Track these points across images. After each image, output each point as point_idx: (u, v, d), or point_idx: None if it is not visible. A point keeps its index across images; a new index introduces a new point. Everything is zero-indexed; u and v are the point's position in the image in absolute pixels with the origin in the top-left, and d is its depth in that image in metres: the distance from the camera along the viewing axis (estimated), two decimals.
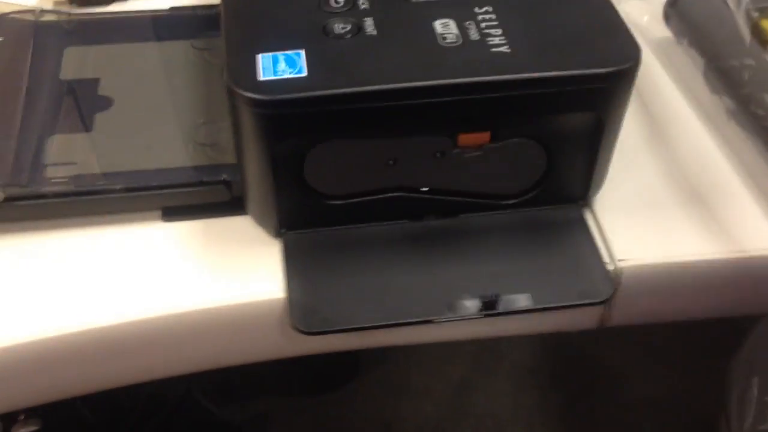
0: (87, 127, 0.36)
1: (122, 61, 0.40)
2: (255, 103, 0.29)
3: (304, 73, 0.29)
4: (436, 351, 1.03)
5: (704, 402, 0.80)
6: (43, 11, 0.42)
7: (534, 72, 0.30)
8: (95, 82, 0.38)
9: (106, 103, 0.38)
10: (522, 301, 0.32)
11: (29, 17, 0.41)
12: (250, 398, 0.93)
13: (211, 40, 0.40)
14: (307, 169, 0.32)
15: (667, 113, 0.40)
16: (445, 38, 0.31)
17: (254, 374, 0.90)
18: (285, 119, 0.29)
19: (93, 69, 0.39)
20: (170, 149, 0.35)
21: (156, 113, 0.37)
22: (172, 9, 0.43)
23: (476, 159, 0.32)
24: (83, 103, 0.37)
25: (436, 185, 0.33)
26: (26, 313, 0.32)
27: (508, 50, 0.30)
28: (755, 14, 0.39)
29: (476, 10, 0.32)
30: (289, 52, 0.30)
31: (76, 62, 0.39)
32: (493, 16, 0.32)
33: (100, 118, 0.37)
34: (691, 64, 0.40)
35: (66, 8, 0.44)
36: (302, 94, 0.29)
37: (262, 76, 0.29)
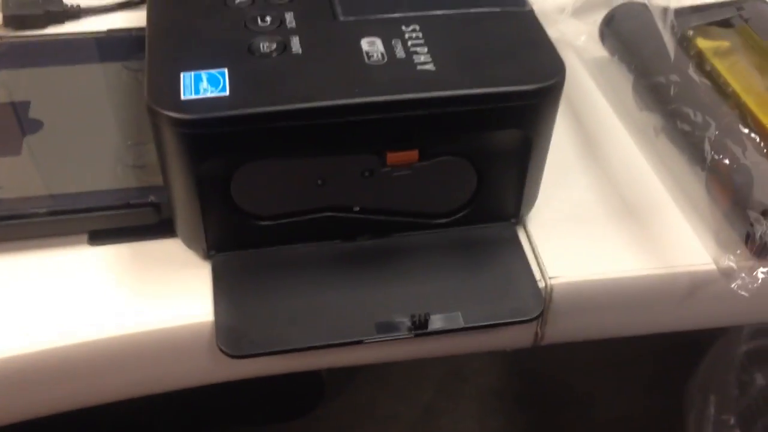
0: (15, 150, 0.36)
1: (54, 84, 0.39)
2: (175, 122, 0.28)
3: (227, 92, 0.29)
4: (402, 375, 1.03)
5: (672, 421, 0.80)
6: None
7: (459, 89, 0.30)
8: (25, 104, 0.38)
9: (35, 126, 0.37)
10: (453, 320, 0.32)
11: None
12: (213, 427, 0.92)
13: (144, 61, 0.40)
14: (234, 190, 0.31)
15: (599, 129, 0.40)
16: (371, 56, 0.31)
17: (218, 402, 0.88)
18: (207, 139, 0.29)
19: (24, 92, 0.39)
20: (98, 171, 0.35)
21: (86, 135, 0.37)
22: (109, 31, 0.43)
23: (406, 178, 0.32)
24: (12, 127, 0.37)
25: (366, 205, 0.33)
26: None
27: (434, 68, 0.30)
28: (690, 32, 0.39)
29: (403, 28, 0.32)
30: (212, 71, 0.30)
31: (8, 85, 0.39)
32: (420, 35, 0.32)
33: (28, 141, 0.36)
34: (623, 80, 0.40)
35: (1, 32, 0.44)
36: (223, 113, 0.28)
37: (183, 95, 0.29)
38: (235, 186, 0.31)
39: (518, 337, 0.34)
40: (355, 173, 0.32)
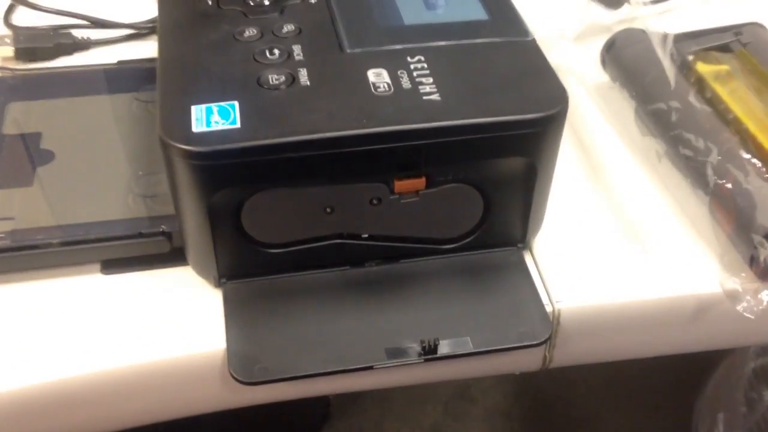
0: (27, 181, 0.36)
1: (65, 115, 0.40)
2: (187, 154, 0.29)
3: (237, 124, 0.30)
4: (407, 396, 1.03)
5: None
6: None
7: (464, 119, 0.30)
8: (37, 136, 0.38)
9: (47, 156, 0.38)
10: (462, 345, 0.32)
11: None
12: None
13: (155, 92, 0.40)
14: (244, 219, 0.32)
15: (603, 155, 0.40)
16: (377, 87, 0.31)
17: (222, 424, 0.88)
18: (218, 170, 0.30)
19: (36, 123, 0.39)
20: (110, 202, 0.35)
21: (97, 166, 0.37)
22: (119, 63, 0.44)
23: (414, 205, 0.32)
24: (24, 158, 0.37)
25: (374, 232, 0.34)
26: None
27: (439, 98, 0.31)
28: (690, 57, 0.40)
29: (408, 59, 0.33)
30: (222, 104, 0.30)
31: (19, 117, 0.40)
32: (425, 65, 0.32)
33: (41, 172, 0.37)
34: (626, 106, 0.40)
35: (12, 64, 0.45)
36: (235, 145, 0.29)
37: (195, 128, 0.29)
38: (245, 215, 0.32)
39: (527, 361, 0.35)
40: (364, 201, 0.32)
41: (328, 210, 0.32)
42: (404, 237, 0.34)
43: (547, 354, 0.34)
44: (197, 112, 0.30)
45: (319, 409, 0.99)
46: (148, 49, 0.46)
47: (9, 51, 0.46)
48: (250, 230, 0.32)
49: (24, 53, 0.45)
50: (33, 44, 0.45)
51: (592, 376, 1.00)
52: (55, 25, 0.47)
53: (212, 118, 0.30)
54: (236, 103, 0.31)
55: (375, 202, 0.32)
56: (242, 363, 0.31)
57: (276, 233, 0.33)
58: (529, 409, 1.04)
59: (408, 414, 1.02)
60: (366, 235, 0.34)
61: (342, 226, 0.33)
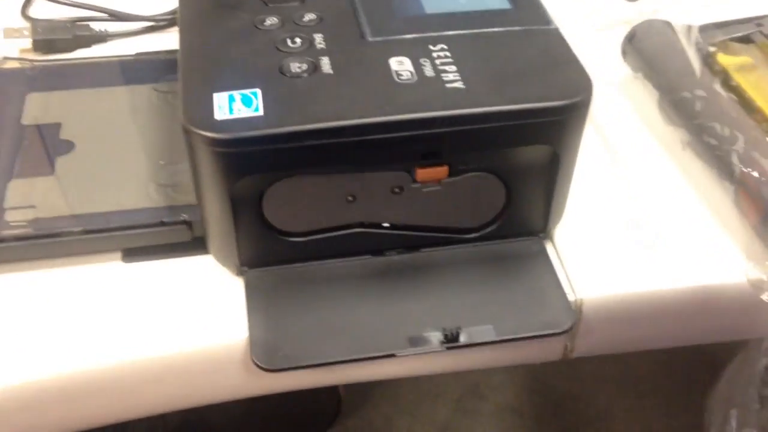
0: (48, 170, 0.36)
1: (85, 106, 0.40)
2: (211, 141, 0.29)
3: (260, 112, 0.30)
4: (418, 392, 1.03)
5: None
6: (6, 58, 0.42)
7: (488, 106, 0.30)
8: (57, 126, 0.39)
9: (67, 146, 0.38)
10: (484, 333, 0.32)
11: None
12: None
13: (174, 83, 0.40)
14: (266, 207, 0.32)
15: (626, 144, 0.40)
16: (400, 75, 0.31)
17: (235, 420, 0.88)
18: (241, 157, 0.30)
19: (55, 114, 0.39)
20: (131, 191, 0.35)
21: (117, 156, 0.37)
22: (137, 54, 0.44)
23: (435, 194, 0.32)
24: (44, 148, 0.38)
25: (396, 221, 0.34)
26: None
27: (463, 86, 0.31)
28: (712, 49, 0.40)
29: (431, 47, 0.33)
30: (245, 91, 0.30)
31: (39, 107, 0.40)
32: (448, 53, 0.32)
33: (61, 162, 0.37)
34: (648, 96, 0.40)
35: (31, 56, 0.45)
36: (257, 132, 0.29)
37: (217, 115, 0.29)
38: (267, 203, 0.32)
39: (548, 351, 0.35)
40: (386, 189, 0.32)
41: (350, 198, 0.32)
42: (425, 226, 0.34)
43: (568, 344, 0.34)
44: (220, 99, 0.30)
45: (330, 404, 0.99)
46: (166, 41, 0.46)
47: (27, 43, 0.46)
48: (271, 219, 0.32)
49: (42, 45, 0.46)
50: (51, 36, 0.45)
51: (604, 373, 1.00)
52: (72, 17, 0.47)
53: (235, 105, 0.30)
54: (258, 91, 0.31)
55: (397, 190, 0.32)
56: (265, 350, 0.31)
57: (297, 222, 0.33)
58: (540, 406, 1.03)
59: (419, 410, 1.02)
60: (387, 224, 0.34)
61: (363, 214, 0.33)
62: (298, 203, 0.32)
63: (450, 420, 1.01)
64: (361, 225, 0.33)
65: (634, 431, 0.99)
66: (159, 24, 0.48)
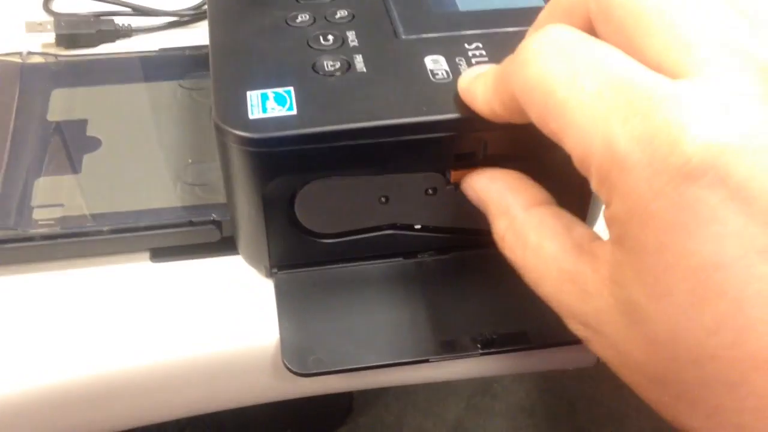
0: (74, 168, 0.36)
1: (110, 102, 0.40)
2: (245, 141, 0.28)
3: (294, 111, 0.29)
4: (430, 391, 1.02)
5: None
6: (30, 53, 0.41)
7: None
8: (83, 123, 0.38)
9: (93, 144, 0.37)
10: (519, 338, 0.31)
11: (16, 59, 0.41)
12: None
13: (200, 80, 0.40)
14: (298, 208, 0.31)
15: None
16: (435, 74, 0.31)
17: (247, 418, 0.88)
18: (275, 157, 0.29)
19: (80, 110, 0.39)
20: (159, 190, 0.35)
21: (144, 153, 0.37)
22: (161, 50, 0.43)
23: None
24: (71, 145, 0.37)
25: (429, 223, 0.33)
26: (12, 360, 0.31)
27: None
28: None
29: (466, 46, 0.32)
30: (278, 90, 0.30)
31: (64, 104, 0.39)
32: (483, 52, 0.32)
33: (87, 159, 0.36)
34: None
35: (53, 51, 0.44)
36: (292, 132, 0.28)
37: (251, 114, 0.29)
38: (298, 204, 0.31)
39: (581, 357, 0.34)
40: (419, 191, 0.32)
41: (383, 200, 0.32)
42: (458, 228, 0.33)
43: None
44: (253, 98, 0.30)
45: (341, 402, 0.99)
46: (190, 36, 0.46)
47: (49, 38, 0.45)
48: (303, 219, 0.32)
49: (65, 40, 0.45)
50: (75, 30, 0.45)
51: (616, 374, 1.00)
52: (96, 12, 0.47)
53: (268, 104, 0.29)
54: (292, 89, 0.30)
55: (430, 192, 0.32)
56: (296, 354, 0.31)
57: (329, 223, 0.32)
58: (552, 406, 1.03)
59: (430, 409, 1.02)
60: (419, 226, 0.33)
61: (396, 215, 0.32)
62: (330, 204, 0.32)
63: (461, 418, 1.01)
64: (393, 227, 0.33)
65: (646, 430, 0.98)
66: (183, 19, 0.47)
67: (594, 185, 0.22)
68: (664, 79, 0.20)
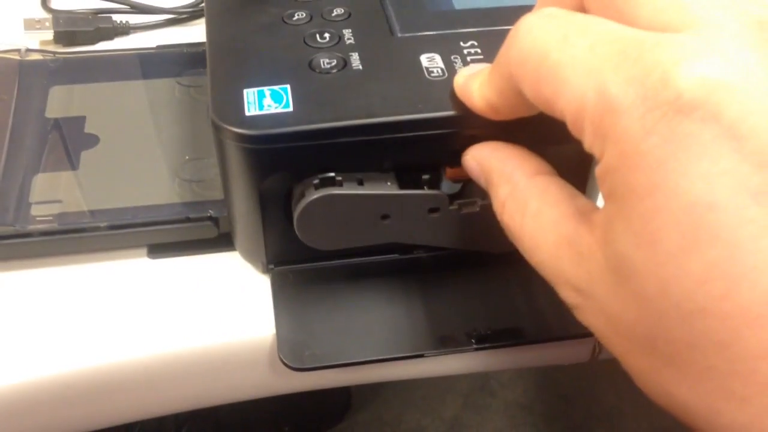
0: (73, 165, 0.36)
1: (108, 99, 0.40)
2: (241, 138, 0.29)
3: (291, 108, 0.29)
4: (428, 388, 1.03)
5: None
6: (28, 50, 0.42)
7: None
8: (81, 120, 0.38)
9: (91, 140, 0.37)
10: (515, 334, 0.32)
11: (14, 56, 0.41)
12: None
13: (198, 77, 0.40)
14: (297, 221, 0.31)
15: None
16: (431, 72, 0.31)
17: (245, 415, 0.89)
18: (272, 154, 0.29)
19: (79, 107, 0.39)
20: (156, 186, 0.35)
21: (142, 150, 0.37)
22: (158, 47, 0.43)
23: (471, 216, 0.31)
24: (69, 141, 0.37)
25: (429, 241, 0.32)
26: (9, 355, 0.31)
27: None
28: None
29: (462, 44, 0.32)
30: (275, 87, 0.30)
31: (62, 100, 0.39)
32: (479, 50, 0.32)
33: (85, 156, 0.37)
34: None
35: (52, 48, 0.45)
36: (289, 129, 0.29)
37: (248, 111, 0.29)
38: (297, 217, 0.31)
39: (577, 352, 0.34)
40: (422, 210, 0.31)
41: (384, 217, 0.32)
42: (461, 248, 0.33)
43: (597, 345, 0.34)
44: (250, 95, 0.30)
45: (340, 398, 0.99)
46: (188, 34, 0.46)
47: (47, 35, 0.46)
48: (303, 238, 0.32)
49: (63, 37, 0.45)
50: (73, 28, 0.45)
51: (613, 371, 1.00)
52: (93, 9, 0.47)
53: (265, 101, 0.30)
54: (288, 87, 0.30)
55: (432, 210, 0.31)
56: (292, 349, 0.31)
57: (329, 241, 0.32)
58: (549, 403, 1.04)
59: (428, 406, 1.02)
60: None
61: (397, 235, 0.32)
62: (330, 222, 0.32)
63: (459, 415, 1.01)
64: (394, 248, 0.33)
65: (643, 428, 0.99)
66: (180, 17, 0.47)
67: (587, 142, 0.21)
68: (656, 32, 0.20)
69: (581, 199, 0.24)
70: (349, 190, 0.30)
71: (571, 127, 0.22)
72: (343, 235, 0.32)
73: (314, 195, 0.29)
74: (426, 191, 0.31)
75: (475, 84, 0.27)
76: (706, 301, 0.18)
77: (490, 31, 0.33)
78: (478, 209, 0.31)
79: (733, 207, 0.18)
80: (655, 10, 0.21)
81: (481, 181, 0.28)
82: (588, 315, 0.23)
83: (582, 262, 0.22)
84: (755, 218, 0.17)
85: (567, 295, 0.23)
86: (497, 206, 0.26)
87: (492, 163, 0.28)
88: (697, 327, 0.18)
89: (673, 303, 0.19)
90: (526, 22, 0.24)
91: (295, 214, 0.30)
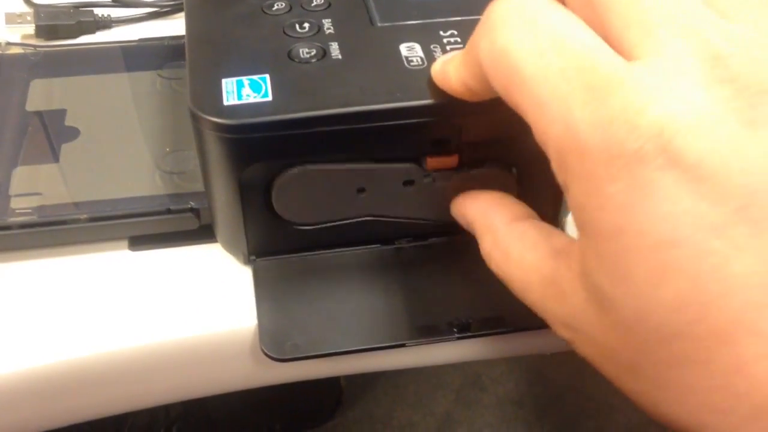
0: (53, 157, 0.36)
1: (89, 92, 0.40)
2: (220, 127, 0.29)
3: (269, 98, 0.29)
4: (419, 384, 1.03)
5: None
6: (9, 44, 0.41)
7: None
8: (62, 113, 0.38)
9: (72, 133, 0.37)
10: (496, 322, 0.32)
11: None
12: None
13: (179, 69, 0.40)
14: (275, 195, 0.31)
15: None
16: (410, 61, 0.31)
17: (236, 412, 0.88)
18: (251, 144, 0.29)
19: (59, 100, 0.39)
20: (137, 178, 0.35)
21: (123, 143, 0.37)
22: (140, 40, 0.43)
23: (447, 188, 0.32)
24: (49, 135, 0.37)
25: (405, 214, 0.33)
26: None
27: None
28: None
29: (441, 33, 0.32)
30: (253, 77, 0.30)
31: (43, 94, 0.39)
32: (458, 39, 0.32)
33: (66, 149, 0.36)
34: None
35: (33, 42, 0.44)
36: (267, 118, 0.29)
37: (226, 101, 0.29)
38: (275, 191, 0.31)
39: (560, 341, 0.34)
40: (396, 182, 0.32)
41: (360, 190, 0.32)
42: (436, 219, 0.33)
43: None
44: (228, 85, 0.30)
45: (331, 395, 0.99)
46: (169, 27, 0.46)
47: (29, 29, 0.45)
48: (280, 211, 0.32)
49: (45, 31, 0.45)
50: (54, 22, 0.45)
51: (602, 372, 1.00)
52: (75, 2, 0.47)
53: (243, 91, 0.29)
54: (267, 77, 0.30)
55: (408, 183, 0.32)
56: (273, 339, 0.31)
57: (306, 214, 0.32)
58: (541, 398, 1.04)
59: (419, 402, 1.02)
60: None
61: (373, 207, 0.33)
62: (307, 195, 0.32)
63: (450, 411, 1.01)
64: (371, 214, 0.33)
65: (634, 423, 0.99)
66: (162, 10, 0.47)
67: (553, 164, 0.23)
68: (622, 62, 0.21)
69: (557, 237, 0.25)
70: (324, 165, 0.30)
71: (536, 137, 0.23)
72: (321, 209, 0.32)
73: (290, 170, 0.30)
74: (400, 165, 0.31)
75: (451, 68, 0.27)
76: (680, 326, 0.20)
77: (470, 21, 0.33)
78: (452, 181, 0.31)
79: (695, 242, 0.19)
80: (626, 26, 0.22)
81: (471, 232, 0.30)
82: (582, 347, 0.24)
83: (566, 299, 0.23)
84: (716, 250, 0.19)
85: (560, 332, 0.25)
86: (484, 256, 0.28)
87: (473, 214, 0.30)
88: (676, 350, 0.20)
89: (651, 329, 0.20)
90: (499, 10, 0.24)
91: (273, 190, 0.30)
